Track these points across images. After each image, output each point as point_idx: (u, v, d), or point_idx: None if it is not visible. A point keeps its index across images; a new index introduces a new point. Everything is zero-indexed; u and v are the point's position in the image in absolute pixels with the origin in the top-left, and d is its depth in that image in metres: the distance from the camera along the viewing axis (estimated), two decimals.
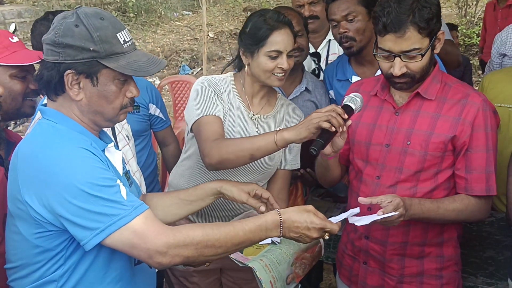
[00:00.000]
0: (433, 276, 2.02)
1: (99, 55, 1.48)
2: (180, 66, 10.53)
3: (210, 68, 9.96)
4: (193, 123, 2.08)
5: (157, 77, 9.67)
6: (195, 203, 1.90)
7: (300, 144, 2.15)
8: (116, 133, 2.22)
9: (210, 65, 10.14)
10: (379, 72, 2.05)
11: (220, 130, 2.05)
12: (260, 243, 1.70)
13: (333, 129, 1.75)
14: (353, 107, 1.84)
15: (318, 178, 2.26)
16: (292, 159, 2.25)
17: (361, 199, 1.77)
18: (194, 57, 10.91)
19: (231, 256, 1.74)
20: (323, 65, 3.02)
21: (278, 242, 1.85)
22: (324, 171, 2.13)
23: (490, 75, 2.91)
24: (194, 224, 1.55)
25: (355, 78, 2.54)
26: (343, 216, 1.75)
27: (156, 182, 3.08)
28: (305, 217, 1.57)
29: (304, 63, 2.73)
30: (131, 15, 12.16)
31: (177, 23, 12.63)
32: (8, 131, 2.07)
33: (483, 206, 1.93)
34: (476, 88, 2.79)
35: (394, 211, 1.74)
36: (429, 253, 2.01)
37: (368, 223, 1.73)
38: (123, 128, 2.30)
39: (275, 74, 2.07)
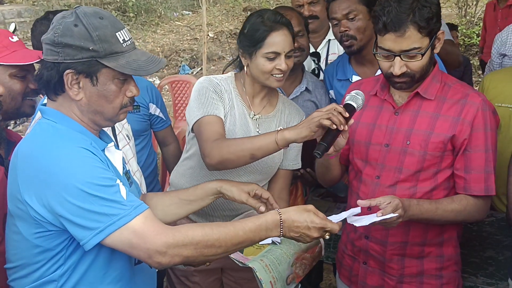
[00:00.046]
0: (433, 276, 2.02)
1: (99, 54, 1.48)
2: (180, 66, 10.54)
3: (210, 68, 9.96)
4: (194, 123, 2.08)
5: (157, 77, 9.67)
6: (195, 203, 1.89)
7: (301, 143, 2.15)
8: (117, 132, 2.22)
9: (210, 65, 10.15)
10: (379, 72, 2.05)
11: (221, 130, 2.04)
12: (260, 243, 1.70)
13: (334, 126, 1.74)
14: (355, 105, 1.84)
15: (318, 178, 2.26)
16: (293, 159, 2.25)
17: (360, 202, 1.77)
18: (194, 57, 10.91)
19: (231, 256, 1.74)
20: (322, 65, 3.02)
21: (278, 242, 1.85)
22: (325, 170, 2.13)
23: (491, 75, 2.91)
24: (193, 224, 1.54)
25: (355, 78, 2.54)
26: (343, 215, 1.75)
27: (156, 182, 3.08)
28: (305, 216, 1.57)
29: (304, 63, 2.73)
30: (131, 15, 12.16)
31: (177, 23, 12.63)
32: (9, 130, 2.07)
33: (482, 207, 1.93)
34: (476, 88, 2.79)
35: (393, 212, 1.73)
36: (429, 253, 2.01)
37: (367, 224, 1.73)
38: (123, 128, 2.30)
39: (274, 75, 2.06)
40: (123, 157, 1.70)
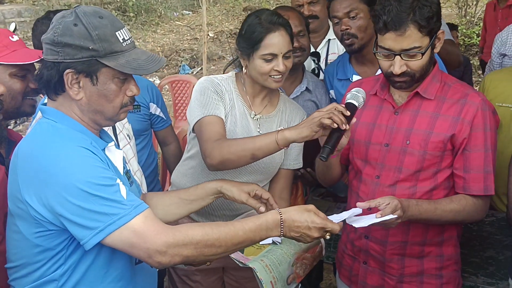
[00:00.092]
0: (433, 275, 2.02)
1: (98, 54, 1.48)
2: (180, 66, 10.54)
3: (210, 68, 9.96)
4: (195, 124, 2.08)
5: (157, 77, 9.67)
6: (195, 202, 1.89)
7: (303, 143, 2.15)
8: (117, 132, 2.22)
9: (210, 65, 10.14)
10: (379, 71, 2.04)
11: (222, 131, 2.04)
12: (260, 243, 1.70)
13: (335, 125, 1.74)
14: (356, 104, 1.84)
15: (318, 178, 2.26)
16: (294, 159, 2.25)
17: (359, 204, 1.77)
18: (194, 56, 10.91)
19: (232, 256, 1.74)
20: (322, 65, 3.02)
21: (279, 242, 1.85)
22: (326, 170, 2.13)
23: (491, 75, 2.91)
24: (194, 224, 1.54)
25: (355, 77, 2.54)
26: (344, 215, 1.75)
27: (156, 181, 3.08)
28: (305, 216, 1.56)
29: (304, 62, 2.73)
30: (131, 14, 12.15)
31: (177, 22, 12.63)
32: (9, 130, 2.07)
33: (481, 207, 1.93)
34: (477, 88, 2.78)
35: (392, 213, 1.73)
36: (429, 253, 2.01)
37: (366, 226, 1.73)
38: (124, 128, 2.30)
39: (272, 76, 2.06)
40: (123, 157, 1.70)
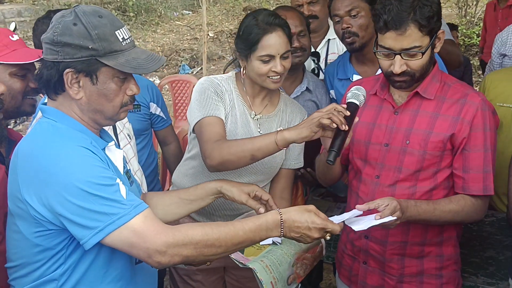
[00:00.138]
0: (433, 275, 2.02)
1: (98, 53, 1.48)
2: (180, 66, 10.54)
3: (210, 68, 9.96)
4: (195, 124, 2.08)
5: (157, 77, 9.68)
6: (195, 202, 1.89)
7: (304, 142, 2.15)
8: (118, 132, 2.22)
9: (210, 65, 10.14)
10: (380, 71, 2.04)
11: (222, 131, 2.04)
12: (261, 243, 1.70)
13: (334, 125, 1.74)
14: (357, 102, 1.84)
15: (318, 177, 2.26)
16: (295, 158, 2.25)
17: (358, 207, 1.77)
18: (194, 56, 10.91)
19: (232, 256, 1.74)
20: (322, 65, 3.02)
21: (279, 243, 1.85)
22: (326, 169, 2.13)
23: (492, 75, 2.91)
24: (193, 224, 1.54)
25: (356, 77, 2.54)
26: (345, 216, 1.75)
27: (156, 181, 3.08)
28: (306, 217, 1.56)
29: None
30: (131, 14, 12.15)
31: (177, 22, 12.63)
32: (10, 129, 2.07)
33: (480, 207, 1.93)
34: (477, 88, 2.78)
35: (391, 215, 1.73)
36: (429, 253, 2.01)
37: (365, 228, 1.72)
38: (125, 127, 2.30)
39: (270, 77, 2.05)
40: (123, 156, 1.69)
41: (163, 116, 2.96)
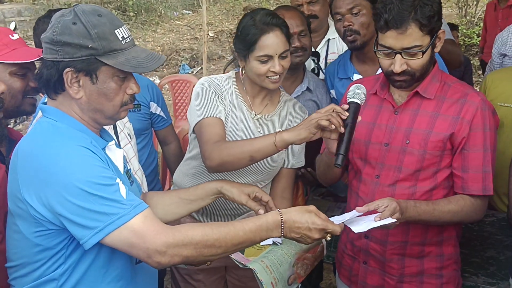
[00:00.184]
0: (433, 275, 2.02)
1: (98, 52, 1.47)
2: (180, 65, 10.53)
3: (210, 68, 9.96)
4: (195, 125, 2.08)
5: (157, 76, 9.68)
6: (195, 202, 1.89)
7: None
8: (118, 131, 2.22)
9: (210, 64, 10.14)
10: (380, 70, 2.04)
11: (221, 132, 2.04)
12: (261, 243, 1.70)
13: (333, 127, 1.74)
14: (359, 102, 1.83)
15: (319, 177, 2.25)
16: (296, 157, 2.24)
17: (358, 209, 1.77)
18: (194, 56, 10.91)
19: (232, 256, 1.74)
20: (322, 65, 3.02)
21: (279, 243, 1.84)
22: (328, 169, 2.12)
23: (493, 74, 2.91)
24: (193, 224, 1.53)
25: (356, 76, 2.54)
26: (345, 216, 1.75)
27: (157, 180, 3.08)
28: (306, 217, 1.56)
29: None
30: (131, 14, 12.15)
31: (177, 22, 12.62)
32: (10, 128, 2.07)
33: (479, 207, 1.93)
34: (477, 87, 2.78)
35: (391, 216, 1.73)
36: (429, 253, 2.01)
37: (365, 230, 1.72)
38: (125, 127, 2.30)
39: (269, 77, 2.05)
40: (124, 156, 1.69)
41: (164, 116, 2.96)
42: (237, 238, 1.49)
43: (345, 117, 1.76)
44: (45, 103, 1.61)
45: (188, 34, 11.98)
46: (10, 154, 1.63)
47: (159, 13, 12.66)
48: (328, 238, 1.61)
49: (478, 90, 2.32)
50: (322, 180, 2.26)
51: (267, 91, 2.18)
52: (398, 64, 1.84)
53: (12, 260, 1.57)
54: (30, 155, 1.46)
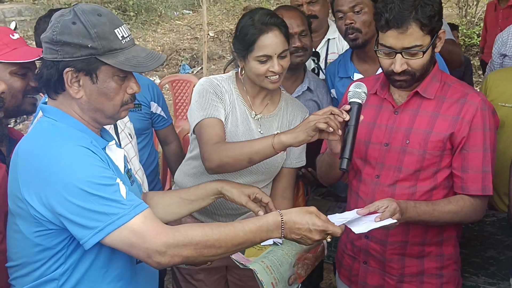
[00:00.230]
0: (434, 275, 2.02)
1: (97, 51, 1.47)
2: (180, 65, 10.53)
3: (210, 67, 9.95)
4: (195, 126, 2.08)
5: (157, 76, 9.68)
6: (196, 202, 1.89)
7: None
8: (119, 131, 2.22)
9: (210, 64, 10.14)
10: (381, 70, 2.04)
11: (221, 133, 2.04)
12: (261, 244, 1.69)
13: (331, 129, 1.74)
14: (360, 101, 1.82)
15: (319, 177, 2.25)
16: (297, 157, 2.24)
17: (358, 211, 1.77)
18: (194, 56, 10.90)
19: (232, 257, 1.73)
20: (322, 65, 3.02)
21: (280, 243, 1.84)
22: (329, 169, 2.12)
23: (493, 74, 2.91)
24: (194, 224, 1.53)
25: (357, 75, 2.53)
26: (345, 215, 1.74)
27: (157, 180, 3.08)
28: (307, 218, 1.55)
29: None
30: (131, 14, 12.14)
31: (178, 22, 12.62)
32: (10, 128, 2.07)
33: (479, 207, 1.93)
34: (478, 88, 2.78)
35: (391, 217, 1.73)
36: (429, 253, 2.01)
37: (365, 231, 1.72)
38: (126, 126, 2.30)
39: (268, 77, 2.04)
40: (125, 156, 1.69)
41: (164, 116, 2.96)
42: (237, 239, 1.49)
43: (343, 120, 1.76)
44: (45, 103, 1.61)
45: (188, 34, 11.98)
46: (11, 153, 1.63)
47: (159, 13, 12.66)
48: (329, 240, 1.60)
49: (478, 90, 2.32)
50: (323, 180, 2.26)
51: (267, 91, 2.18)
52: (399, 64, 1.84)
53: (12, 259, 1.57)
54: (30, 154, 1.46)
